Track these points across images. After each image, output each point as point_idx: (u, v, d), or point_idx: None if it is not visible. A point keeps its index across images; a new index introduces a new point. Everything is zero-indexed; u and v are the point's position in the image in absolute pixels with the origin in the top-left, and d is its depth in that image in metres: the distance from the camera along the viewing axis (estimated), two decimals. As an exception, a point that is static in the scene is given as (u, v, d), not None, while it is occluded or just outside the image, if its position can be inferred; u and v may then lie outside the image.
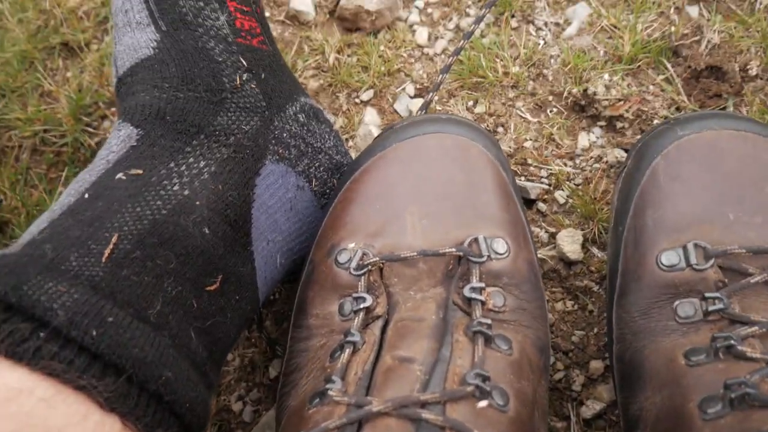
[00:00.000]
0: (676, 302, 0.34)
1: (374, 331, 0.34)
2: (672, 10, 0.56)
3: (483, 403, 0.29)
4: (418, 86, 0.57)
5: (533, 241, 0.40)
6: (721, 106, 0.52)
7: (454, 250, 0.35)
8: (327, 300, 0.37)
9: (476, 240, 0.35)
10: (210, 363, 0.33)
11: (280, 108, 0.42)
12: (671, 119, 0.40)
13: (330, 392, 0.30)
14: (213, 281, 0.34)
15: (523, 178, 0.51)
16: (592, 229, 0.49)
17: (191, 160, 0.36)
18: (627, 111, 0.52)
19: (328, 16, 0.63)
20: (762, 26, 0.54)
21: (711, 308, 0.32)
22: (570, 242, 0.47)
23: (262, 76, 0.41)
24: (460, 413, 0.28)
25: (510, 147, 0.52)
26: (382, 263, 0.36)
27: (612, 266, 0.39)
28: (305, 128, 0.44)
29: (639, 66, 0.54)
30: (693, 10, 0.56)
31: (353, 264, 0.36)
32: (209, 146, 0.37)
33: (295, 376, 0.36)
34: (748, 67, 0.53)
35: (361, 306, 0.35)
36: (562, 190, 0.51)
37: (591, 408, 0.44)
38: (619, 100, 0.52)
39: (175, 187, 0.34)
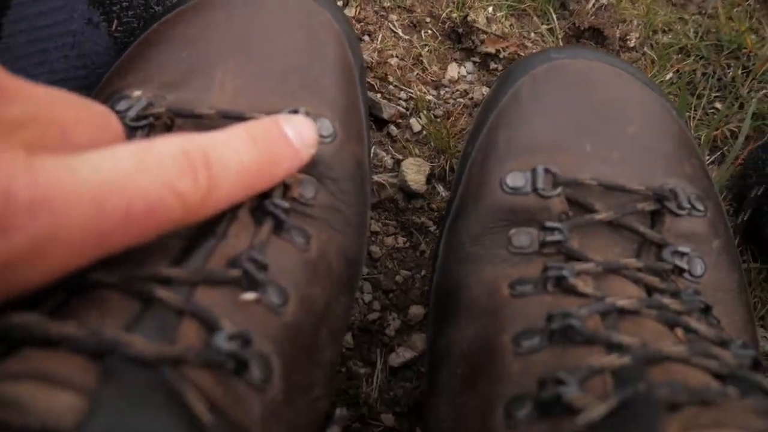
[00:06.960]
0: (513, 230, 0.29)
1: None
2: (568, -33, 0.53)
3: (249, 296, 0.22)
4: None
5: (370, 144, 0.33)
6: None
7: (263, 117, 0.27)
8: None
9: (295, 112, 0.28)
10: None
11: None
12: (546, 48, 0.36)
13: None
14: None
15: (379, 95, 0.45)
16: (441, 165, 0.43)
17: None
18: (503, 50, 0.47)
19: None
20: (647, 2, 0.52)
21: (548, 239, 0.27)
22: (415, 171, 0.42)
23: None
24: (214, 301, 0.21)
25: (372, 58, 0.45)
26: (170, 118, 0.27)
27: (454, 190, 0.33)
28: (116, -50, 0.34)
29: (525, 9, 0.50)
30: (587, -27, 0.53)
31: (132, 113, 0.27)
32: None
33: None
34: (628, 38, 0.50)
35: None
36: (419, 117, 0.45)
37: (401, 356, 0.38)
38: (499, 36, 0.47)
39: None
